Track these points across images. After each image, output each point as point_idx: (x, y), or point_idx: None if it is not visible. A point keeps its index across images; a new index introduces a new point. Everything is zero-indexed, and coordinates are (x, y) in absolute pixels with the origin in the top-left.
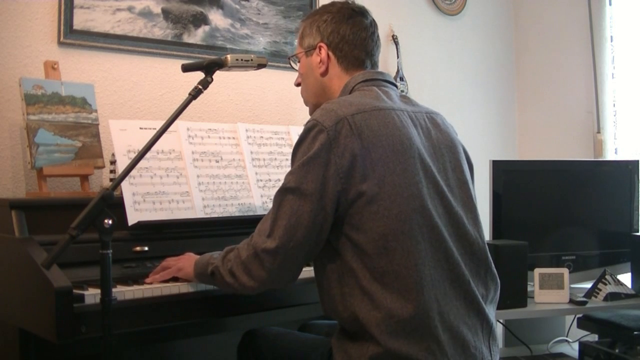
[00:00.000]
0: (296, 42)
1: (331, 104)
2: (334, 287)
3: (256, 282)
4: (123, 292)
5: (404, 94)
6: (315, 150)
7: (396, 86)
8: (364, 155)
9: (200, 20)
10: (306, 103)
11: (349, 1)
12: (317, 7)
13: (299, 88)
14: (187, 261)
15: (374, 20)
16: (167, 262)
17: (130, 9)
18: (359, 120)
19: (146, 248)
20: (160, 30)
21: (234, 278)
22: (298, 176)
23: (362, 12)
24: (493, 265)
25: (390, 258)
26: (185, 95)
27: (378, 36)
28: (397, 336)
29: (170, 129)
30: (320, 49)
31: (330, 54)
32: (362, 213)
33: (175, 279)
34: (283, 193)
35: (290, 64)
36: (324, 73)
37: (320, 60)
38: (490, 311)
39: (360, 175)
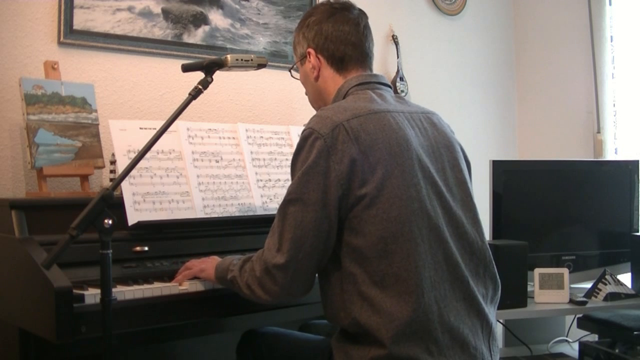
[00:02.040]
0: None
1: (326, 111)
2: (336, 294)
3: (271, 296)
4: (123, 292)
5: (403, 94)
6: (314, 159)
7: (390, 87)
8: (362, 159)
9: (200, 20)
10: (314, 109)
11: (330, 0)
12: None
13: (299, 88)
14: (210, 263)
15: (360, 11)
16: (190, 263)
17: (130, 9)
18: (355, 125)
19: (146, 248)
20: (160, 30)
21: (250, 290)
22: (299, 186)
23: (344, 7)
24: (494, 265)
25: (390, 261)
26: (185, 95)
27: (366, 26)
28: (399, 339)
29: (170, 129)
30: (309, 55)
31: (320, 56)
32: (361, 217)
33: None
34: (286, 205)
35: (292, 76)
36: (317, 77)
37: (312, 66)
38: (491, 311)
39: (360, 179)
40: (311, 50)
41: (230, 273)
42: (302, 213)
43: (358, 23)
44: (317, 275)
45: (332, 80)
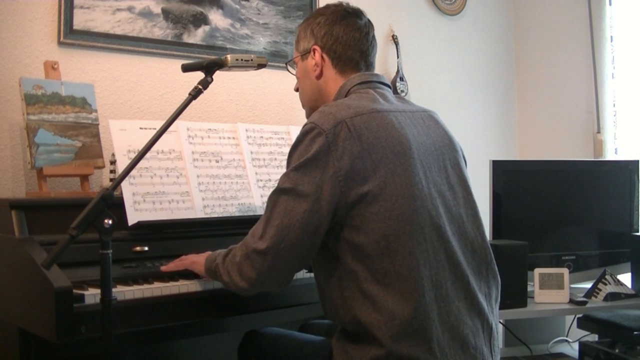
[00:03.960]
0: (293, 46)
1: (329, 107)
2: (334, 291)
3: (247, 284)
4: (123, 292)
5: (403, 94)
6: (314, 153)
7: (390, 87)
8: (364, 157)
9: (200, 20)
10: (303, 106)
11: (343, 3)
12: (317, 6)
13: (294, 89)
14: (202, 257)
15: (369, 21)
16: (185, 256)
17: (130, 9)
18: (358, 123)
19: (146, 248)
20: (160, 30)
21: (229, 277)
22: (294, 178)
23: (355, 13)
24: (495, 263)
25: (392, 259)
26: (185, 95)
27: (373, 37)
28: (399, 338)
29: (170, 129)
30: (314, 52)
31: (325, 56)
32: (364, 214)
33: (175, 279)
34: (277, 194)
35: (287, 69)
36: (319, 76)
37: (315, 63)
38: (492, 311)
39: (361, 177)
40: (317, 48)
41: (214, 263)
42: (293, 203)
43: (368, 32)
44: (314, 274)
45: (333, 81)
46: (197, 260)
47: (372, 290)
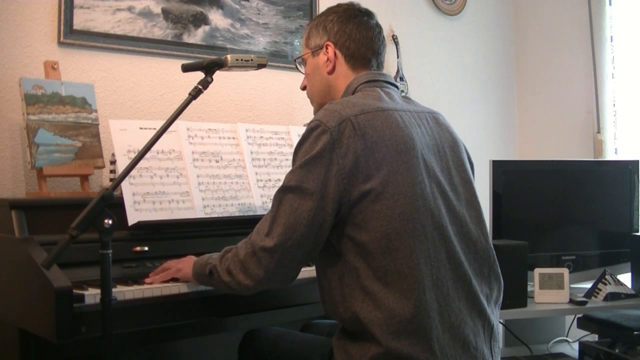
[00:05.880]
0: (302, 44)
1: (334, 105)
2: (334, 288)
3: (253, 281)
4: (123, 292)
5: (404, 94)
6: (318, 150)
7: (397, 87)
8: (367, 155)
9: (200, 20)
10: (312, 102)
11: (354, 2)
12: (318, 7)
13: (300, 88)
14: (187, 262)
15: (379, 22)
16: (167, 264)
17: (130, 9)
18: (362, 121)
19: (146, 248)
20: (160, 30)
21: (230, 276)
22: (299, 175)
23: (367, 13)
24: (497, 265)
25: (393, 257)
26: (185, 95)
27: (384, 38)
28: (399, 336)
29: (170, 129)
30: (327, 48)
31: (337, 52)
32: (366, 212)
33: (175, 279)
34: (283, 192)
35: (296, 66)
36: (331, 71)
37: (328, 59)
38: (494, 311)
39: (364, 175)
40: (330, 44)
41: (209, 266)
42: (299, 201)
43: (379, 32)
44: (315, 270)
45: (344, 77)
46: (182, 268)
47: (373, 287)
